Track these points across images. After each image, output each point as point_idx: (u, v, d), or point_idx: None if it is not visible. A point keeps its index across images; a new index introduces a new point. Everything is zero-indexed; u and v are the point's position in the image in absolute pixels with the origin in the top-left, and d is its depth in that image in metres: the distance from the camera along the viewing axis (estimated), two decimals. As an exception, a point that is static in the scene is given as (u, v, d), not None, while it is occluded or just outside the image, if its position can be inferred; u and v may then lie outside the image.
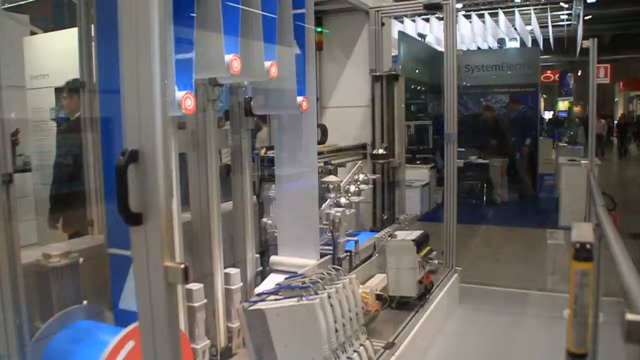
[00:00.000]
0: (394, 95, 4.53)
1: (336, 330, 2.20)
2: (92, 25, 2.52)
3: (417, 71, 8.98)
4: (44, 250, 2.10)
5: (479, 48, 12.24)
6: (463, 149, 9.52)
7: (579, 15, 13.63)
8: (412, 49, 8.83)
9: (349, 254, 3.29)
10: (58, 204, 3.67)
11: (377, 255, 3.73)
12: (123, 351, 1.73)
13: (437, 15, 8.86)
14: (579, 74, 19.90)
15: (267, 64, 2.37)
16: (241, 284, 2.61)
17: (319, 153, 3.22)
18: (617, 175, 13.90)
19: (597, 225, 2.07)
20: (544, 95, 19.53)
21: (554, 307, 3.91)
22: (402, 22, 9.74)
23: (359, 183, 3.75)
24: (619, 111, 24.81)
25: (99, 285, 2.23)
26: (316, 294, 2.17)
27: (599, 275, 1.98)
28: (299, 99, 2.67)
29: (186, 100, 1.97)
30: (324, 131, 3.84)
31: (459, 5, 11.52)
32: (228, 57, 2.11)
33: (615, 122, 21.94)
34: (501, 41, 12.53)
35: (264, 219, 3.14)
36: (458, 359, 3.53)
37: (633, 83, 23.44)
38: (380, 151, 4.35)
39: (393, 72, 4.51)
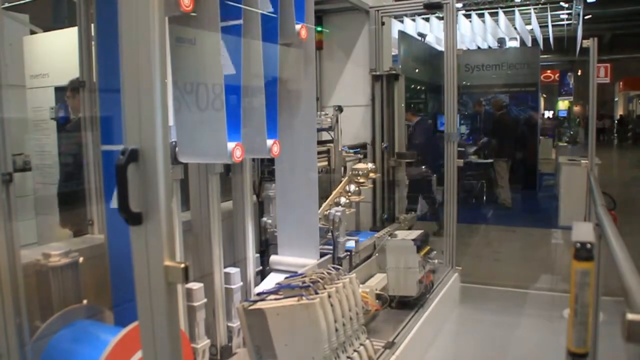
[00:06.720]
0: (394, 94, 4.53)
1: (336, 330, 2.20)
2: (92, 25, 2.51)
3: (417, 71, 8.96)
4: (43, 249, 2.10)
5: (479, 47, 12.23)
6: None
7: (579, 15, 13.66)
8: (412, 49, 8.81)
9: (349, 253, 3.29)
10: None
11: (377, 254, 3.73)
12: (123, 351, 1.73)
13: (437, 14, 8.85)
14: (579, 73, 19.91)
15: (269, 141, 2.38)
16: (241, 283, 2.61)
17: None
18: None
19: (597, 225, 2.07)
20: (544, 95, 19.53)
21: (553, 307, 3.91)
22: (402, 21, 9.73)
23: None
24: (619, 111, 24.79)
25: (99, 285, 2.23)
26: (316, 293, 2.16)
27: (599, 274, 1.98)
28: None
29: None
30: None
31: (459, 5, 11.54)
32: (231, 145, 2.09)
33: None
34: (501, 41, 12.51)
35: (264, 218, 3.14)
36: (458, 358, 3.53)
37: (633, 82, 23.44)
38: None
39: (393, 72, 4.51)
